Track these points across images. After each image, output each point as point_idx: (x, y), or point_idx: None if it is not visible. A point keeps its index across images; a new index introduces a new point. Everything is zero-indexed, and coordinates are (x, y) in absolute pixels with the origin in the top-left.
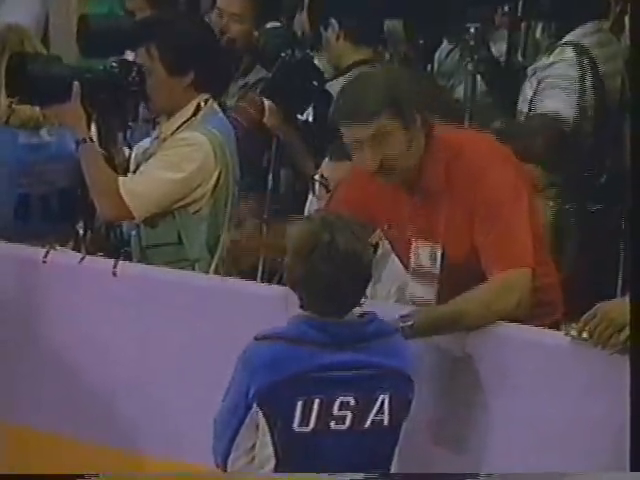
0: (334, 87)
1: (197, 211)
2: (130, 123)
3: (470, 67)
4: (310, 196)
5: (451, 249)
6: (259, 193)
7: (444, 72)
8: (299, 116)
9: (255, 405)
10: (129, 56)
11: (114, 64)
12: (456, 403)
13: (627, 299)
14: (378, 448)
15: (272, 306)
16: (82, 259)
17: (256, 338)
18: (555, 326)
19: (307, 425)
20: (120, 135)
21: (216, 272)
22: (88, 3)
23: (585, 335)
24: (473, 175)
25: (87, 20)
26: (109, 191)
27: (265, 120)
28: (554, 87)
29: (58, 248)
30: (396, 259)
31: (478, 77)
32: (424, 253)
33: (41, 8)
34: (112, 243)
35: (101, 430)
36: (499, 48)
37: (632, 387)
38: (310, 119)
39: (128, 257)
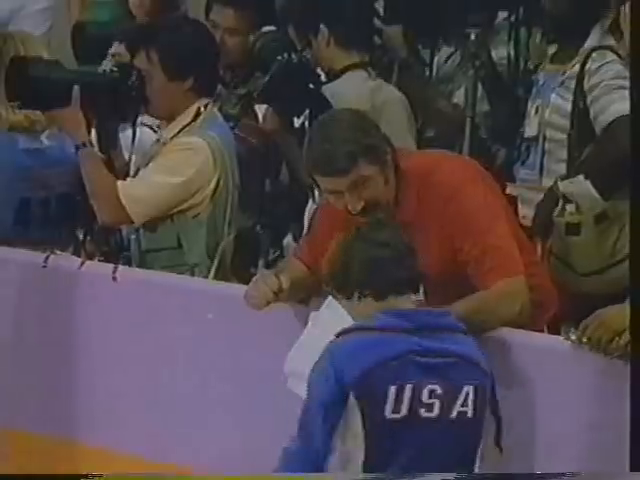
0: (329, 91)
1: (196, 215)
2: (130, 127)
3: (471, 73)
4: (310, 202)
5: (434, 274)
6: (257, 198)
7: (443, 77)
8: (295, 120)
9: (351, 396)
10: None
11: (114, 68)
12: None
13: (627, 304)
14: (463, 441)
15: (271, 310)
16: (82, 264)
17: (338, 334)
18: (552, 325)
19: (399, 412)
20: (120, 139)
21: (216, 277)
22: (89, 9)
23: (585, 340)
24: (444, 196)
25: (82, 27)
26: (108, 195)
27: (261, 125)
28: (618, 88)
29: (58, 253)
30: None
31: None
32: None
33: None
34: (112, 247)
35: (100, 432)
36: (499, 53)
37: (632, 391)
38: (306, 123)
39: (128, 261)
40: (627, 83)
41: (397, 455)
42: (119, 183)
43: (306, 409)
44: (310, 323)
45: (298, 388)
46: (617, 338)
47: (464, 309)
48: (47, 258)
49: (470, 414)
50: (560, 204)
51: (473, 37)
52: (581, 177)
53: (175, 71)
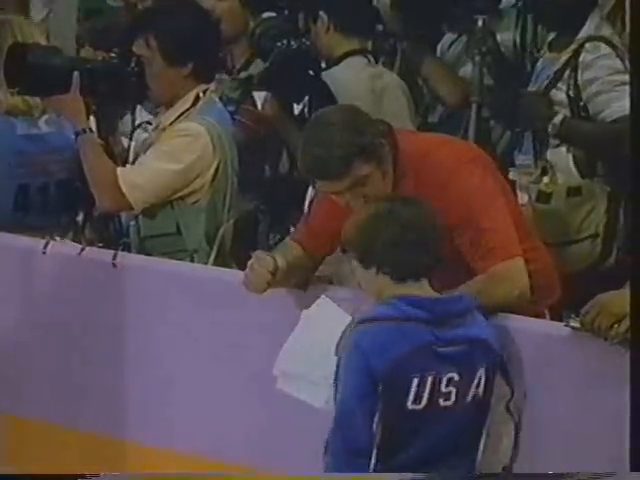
0: (328, 77)
1: (196, 202)
2: (129, 113)
3: (477, 59)
4: (310, 188)
5: None
6: (257, 183)
7: (447, 63)
8: (295, 106)
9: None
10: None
11: (113, 54)
12: None
13: (627, 290)
14: (473, 421)
15: (270, 296)
16: (82, 250)
17: (360, 322)
18: (554, 310)
19: (420, 402)
20: (119, 125)
21: (215, 263)
22: None
23: (585, 326)
24: (441, 180)
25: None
26: (108, 182)
27: (261, 112)
28: (615, 85)
29: (58, 239)
30: None
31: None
32: None
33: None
34: (111, 234)
35: (100, 419)
36: (504, 38)
37: (632, 379)
38: (306, 109)
39: (127, 248)
40: (625, 77)
41: (413, 442)
42: (119, 170)
43: (342, 405)
44: (301, 322)
45: (290, 388)
46: (616, 324)
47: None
48: (47, 244)
49: (481, 395)
50: (538, 172)
51: (480, 23)
52: (563, 149)
53: (174, 56)
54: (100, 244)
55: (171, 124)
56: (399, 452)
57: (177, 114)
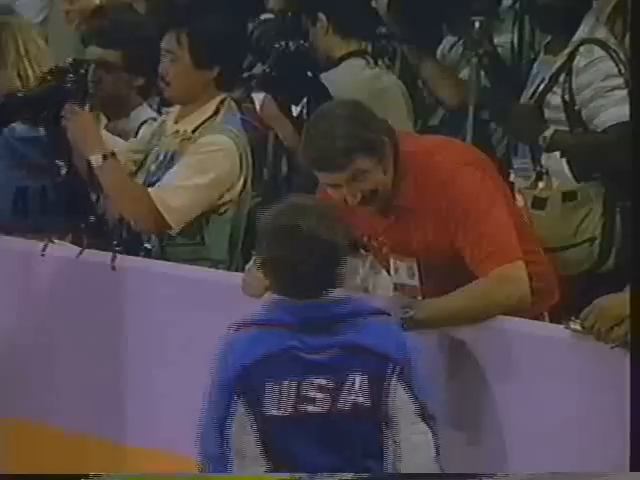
0: (327, 79)
1: (222, 213)
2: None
3: (474, 61)
4: None
5: (430, 260)
6: (257, 183)
7: (448, 65)
8: (294, 107)
9: (235, 395)
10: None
11: (45, 74)
12: (456, 396)
13: (626, 293)
14: (362, 431)
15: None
16: (80, 253)
17: (229, 328)
18: (553, 313)
19: (282, 409)
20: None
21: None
22: None
23: (585, 329)
24: (441, 180)
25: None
26: (143, 206)
27: (259, 112)
28: (611, 90)
29: (56, 242)
30: None
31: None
32: (402, 269)
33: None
34: (131, 239)
35: (99, 421)
36: (502, 40)
37: (632, 381)
38: (305, 111)
39: (147, 253)
40: (619, 80)
41: (294, 449)
42: (152, 192)
43: (202, 413)
44: None
45: None
46: (616, 327)
47: (462, 297)
48: (45, 247)
49: (365, 403)
50: (533, 177)
51: (477, 25)
52: (557, 154)
53: (203, 58)
54: (118, 248)
55: (194, 131)
56: (290, 461)
57: (199, 121)
